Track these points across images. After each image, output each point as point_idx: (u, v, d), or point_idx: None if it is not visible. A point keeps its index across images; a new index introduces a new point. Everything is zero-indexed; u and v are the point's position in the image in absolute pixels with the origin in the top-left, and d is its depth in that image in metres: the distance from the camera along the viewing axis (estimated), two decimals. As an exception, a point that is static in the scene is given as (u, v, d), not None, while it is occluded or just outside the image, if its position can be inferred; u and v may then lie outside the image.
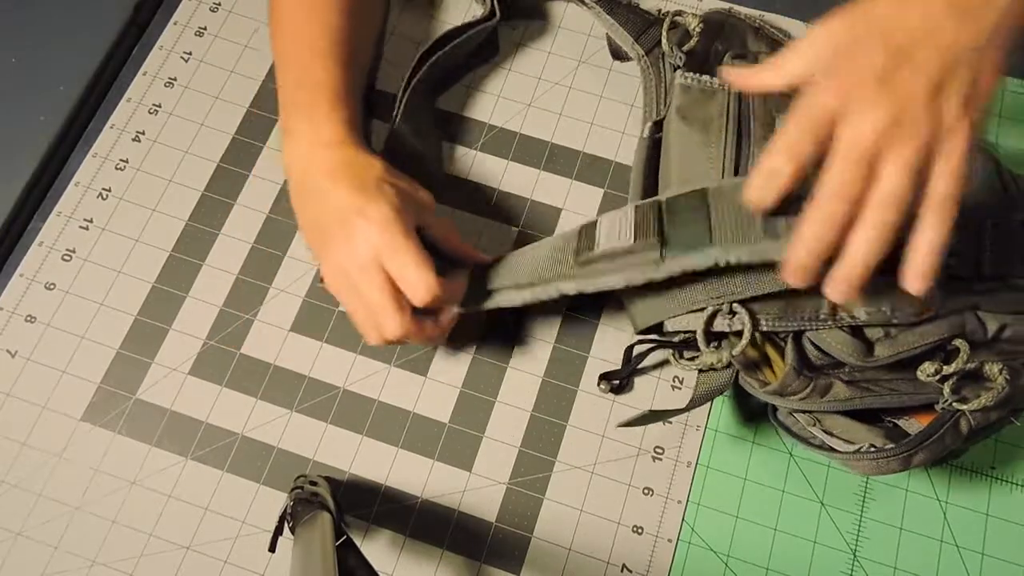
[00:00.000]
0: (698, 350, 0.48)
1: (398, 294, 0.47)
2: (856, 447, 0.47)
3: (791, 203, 0.41)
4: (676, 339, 0.51)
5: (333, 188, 0.48)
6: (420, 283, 0.46)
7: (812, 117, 0.39)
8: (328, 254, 0.48)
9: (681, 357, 0.51)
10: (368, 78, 0.61)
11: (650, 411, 0.52)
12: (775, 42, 0.62)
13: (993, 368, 0.46)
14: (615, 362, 0.56)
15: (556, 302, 0.51)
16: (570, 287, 0.47)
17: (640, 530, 0.53)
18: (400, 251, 0.46)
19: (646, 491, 0.54)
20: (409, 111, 0.58)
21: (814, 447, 0.49)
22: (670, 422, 0.55)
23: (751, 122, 0.52)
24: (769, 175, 0.40)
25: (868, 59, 0.39)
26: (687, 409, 0.50)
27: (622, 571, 0.52)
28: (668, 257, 0.45)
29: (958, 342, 0.46)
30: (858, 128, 0.38)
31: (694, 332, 0.48)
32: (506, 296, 0.49)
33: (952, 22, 0.39)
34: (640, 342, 0.53)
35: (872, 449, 0.47)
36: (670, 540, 0.53)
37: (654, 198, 0.49)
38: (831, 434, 0.49)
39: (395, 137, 0.57)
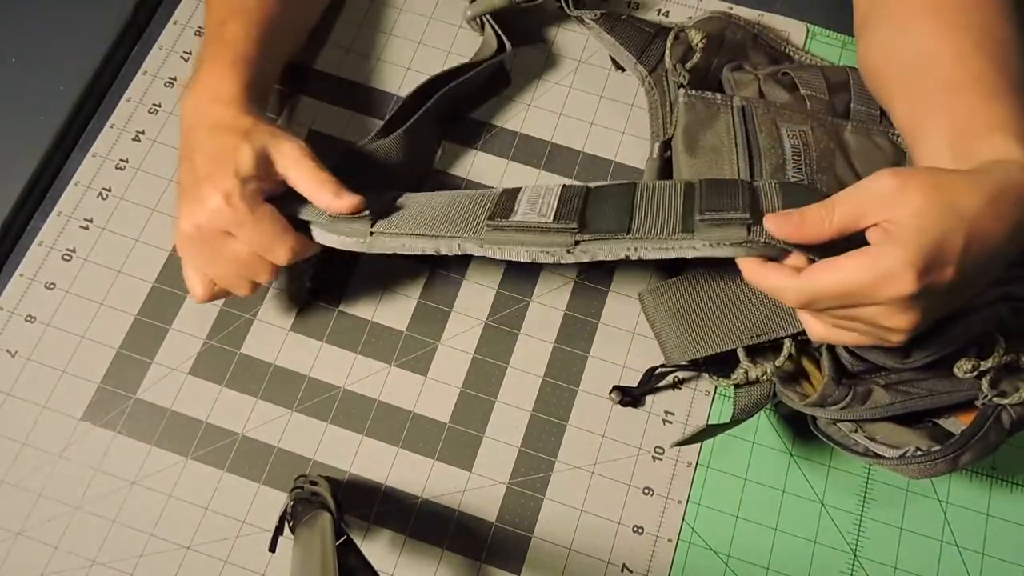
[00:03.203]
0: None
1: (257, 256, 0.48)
2: (901, 452, 0.47)
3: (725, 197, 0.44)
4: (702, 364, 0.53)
5: (206, 143, 0.48)
6: (279, 248, 0.48)
7: (873, 287, 0.38)
8: (183, 211, 0.48)
9: (717, 374, 0.52)
10: (300, 55, 0.62)
11: (708, 425, 0.52)
12: (773, 50, 0.62)
13: None
14: (615, 362, 0.56)
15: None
16: (474, 248, 0.47)
17: (640, 530, 0.53)
18: (247, 225, 0.47)
19: (646, 491, 0.53)
20: (412, 130, 0.57)
21: (858, 455, 0.49)
22: (670, 422, 0.55)
23: (758, 137, 0.52)
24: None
25: (943, 271, 0.38)
26: (734, 424, 0.51)
27: (622, 571, 0.52)
28: (581, 241, 0.45)
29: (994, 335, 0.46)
30: (890, 321, 0.40)
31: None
32: (404, 242, 0.48)
33: (1007, 250, 0.40)
34: (665, 367, 0.54)
35: (919, 453, 0.46)
36: (670, 540, 0.53)
37: (584, 183, 0.49)
38: (874, 439, 0.48)
39: (385, 147, 0.56)
